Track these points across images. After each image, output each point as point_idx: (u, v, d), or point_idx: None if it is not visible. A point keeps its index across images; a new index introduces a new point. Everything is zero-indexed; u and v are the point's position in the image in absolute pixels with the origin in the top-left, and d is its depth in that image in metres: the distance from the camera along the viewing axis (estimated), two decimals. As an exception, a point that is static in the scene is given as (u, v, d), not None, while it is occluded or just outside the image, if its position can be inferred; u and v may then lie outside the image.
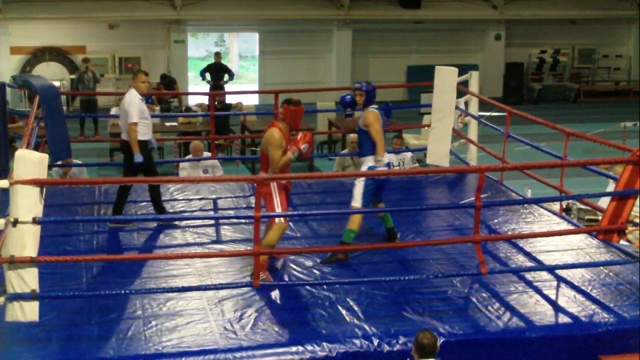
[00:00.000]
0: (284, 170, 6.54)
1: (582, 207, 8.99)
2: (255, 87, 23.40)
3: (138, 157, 7.66)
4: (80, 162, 10.47)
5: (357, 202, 6.98)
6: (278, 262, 6.80)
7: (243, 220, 7.83)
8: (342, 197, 8.67)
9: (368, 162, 7.07)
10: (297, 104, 6.64)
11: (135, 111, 7.60)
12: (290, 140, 6.61)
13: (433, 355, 4.97)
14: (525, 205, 8.45)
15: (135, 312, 5.83)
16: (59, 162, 8.90)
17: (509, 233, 7.66)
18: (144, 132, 7.72)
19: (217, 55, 19.76)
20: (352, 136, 11.33)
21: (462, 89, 9.60)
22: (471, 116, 9.76)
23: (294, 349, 5.39)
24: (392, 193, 8.45)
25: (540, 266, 6.85)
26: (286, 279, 6.52)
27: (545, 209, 8.37)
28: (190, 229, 7.69)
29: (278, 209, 6.47)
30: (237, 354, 5.28)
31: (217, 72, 19.11)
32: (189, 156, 10.59)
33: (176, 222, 7.74)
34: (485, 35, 23.84)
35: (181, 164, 10.58)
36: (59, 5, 20.28)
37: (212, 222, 7.92)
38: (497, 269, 6.70)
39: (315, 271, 6.69)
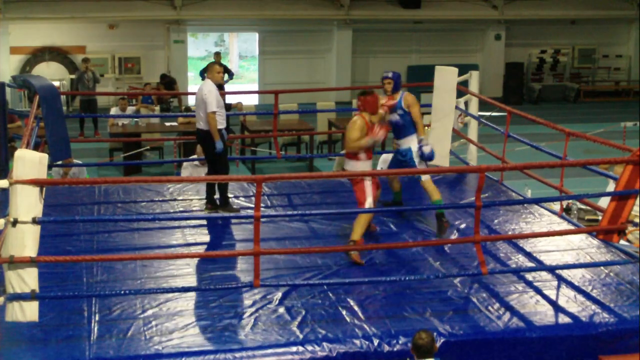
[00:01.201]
0: (367, 154, 7.16)
1: (582, 207, 8.99)
2: (255, 87, 23.41)
3: (219, 144, 7.86)
4: (80, 162, 10.47)
5: (426, 176, 7.73)
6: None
7: (243, 220, 7.83)
8: (342, 197, 8.68)
9: (413, 142, 7.80)
10: (370, 93, 7.28)
11: (214, 100, 7.80)
12: (372, 128, 7.18)
13: (431, 355, 4.96)
14: (525, 205, 8.45)
15: (135, 312, 5.83)
16: (59, 162, 8.90)
17: (509, 233, 7.66)
18: (220, 122, 7.91)
19: (217, 55, 19.78)
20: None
21: (462, 89, 9.60)
22: (471, 116, 9.76)
23: (294, 349, 5.38)
24: (392, 193, 8.45)
25: (541, 266, 6.85)
26: (286, 279, 6.51)
27: (546, 208, 8.36)
28: (190, 229, 7.68)
29: (368, 189, 7.03)
30: (237, 354, 5.28)
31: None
32: (194, 156, 10.58)
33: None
34: (485, 35, 23.86)
35: (184, 164, 10.57)
36: (59, 5, 20.29)
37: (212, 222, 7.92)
38: (497, 269, 6.70)
39: (315, 271, 6.68)
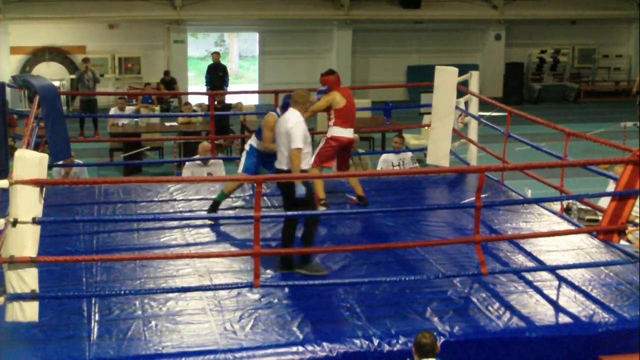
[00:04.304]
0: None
1: (582, 207, 8.99)
2: (255, 87, 23.41)
3: (300, 190, 6.49)
4: (81, 162, 10.48)
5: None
6: None
7: (243, 221, 7.83)
8: (342, 197, 8.69)
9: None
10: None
11: (300, 134, 6.59)
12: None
13: (433, 355, 4.97)
14: (525, 205, 8.45)
15: (135, 312, 5.83)
16: (60, 162, 8.90)
17: (509, 233, 7.66)
18: (306, 161, 6.78)
19: (216, 54, 19.82)
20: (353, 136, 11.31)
21: (462, 89, 9.60)
22: (471, 116, 9.75)
23: (294, 349, 5.38)
24: (392, 193, 8.46)
25: (541, 266, 6.84)
26: (286, 279, 6.51)
27: (546, 208, 8.36)
28: (190, 229, 7.68)
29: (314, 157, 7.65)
30: (237, 354, 5.28)
31: (216, 71, 19.16)
32: (197, 156, 10.59)
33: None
34: (485, 35, 23.85)
35: (186, 164, 10.58)
36: (59, 5, 20.29)
37: (212, 222, 7.91)
38: (497, 269, 6.69)
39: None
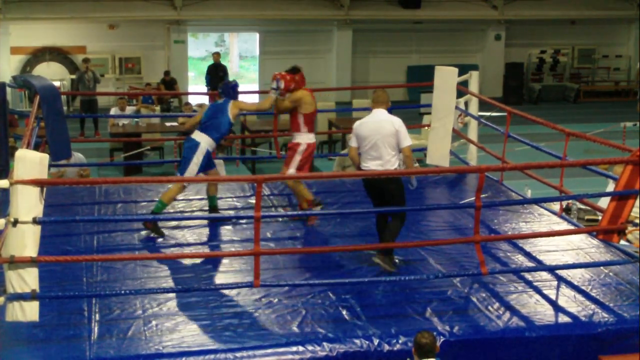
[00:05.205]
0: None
1: (582, 207, 8.99)
2: (255, 87, 23.41)
3: (414, 181, 7.37)
4: (85, 161, 10.50)
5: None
6: None
7: (243, 220, 7.83)
8: (342, 197, 8.69)
9: None
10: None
11: (406, 131, 6.79)
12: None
13: (432, 355, 4.97)
14: (525, 205, 8.45)
15: (135, 312, 5.83)
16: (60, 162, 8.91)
17: (509, 233, 7.66)
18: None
19: (216, 55, 19.83)
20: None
21: (462, 89, 9.60)
22: (471, 116, 9.76)
23: (294, 349, 5.39)
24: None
25: (540, 266, 6.85)
26: (286, 279, 6.51)
27: (546, 209, 8.37)
28: (191, 229, 7.68)
29: (292, 169, 7.59)
30: (237, 354, 5.28)
31: (217, 72, 19.17)
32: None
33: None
34: (485, 35, 23.87)
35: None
36: (59, 5, 20.31)
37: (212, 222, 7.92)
38: (497, 269, 6.70)
39: (315, 271, 6.69)
